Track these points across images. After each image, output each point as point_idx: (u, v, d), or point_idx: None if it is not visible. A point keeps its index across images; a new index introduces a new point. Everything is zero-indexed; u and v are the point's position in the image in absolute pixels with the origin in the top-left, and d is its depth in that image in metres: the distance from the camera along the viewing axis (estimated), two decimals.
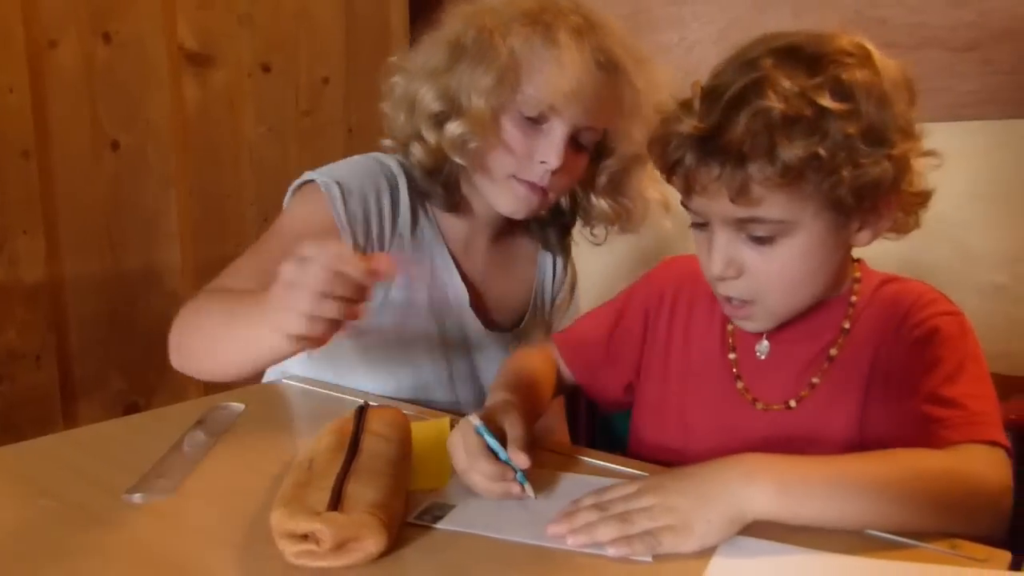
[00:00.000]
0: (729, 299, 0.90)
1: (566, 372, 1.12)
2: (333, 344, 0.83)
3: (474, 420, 0.82)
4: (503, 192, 1.16)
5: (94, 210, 1.73)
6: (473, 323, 1.25)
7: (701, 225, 0.89)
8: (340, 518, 0.68)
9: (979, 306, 1.61)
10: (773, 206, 0.81)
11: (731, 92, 0.81)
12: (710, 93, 0.83)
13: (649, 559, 0.69)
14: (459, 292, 1.24)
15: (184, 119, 1.87)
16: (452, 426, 0.99)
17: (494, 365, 1.23)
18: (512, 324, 1.32)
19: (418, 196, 1.22)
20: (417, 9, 2.31)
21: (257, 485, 0.84)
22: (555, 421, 1.29)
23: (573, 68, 1.07)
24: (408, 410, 0.98)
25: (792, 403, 0.93)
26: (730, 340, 1.00)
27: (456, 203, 1.23)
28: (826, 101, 0.78)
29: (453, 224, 1.26)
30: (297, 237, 0.90)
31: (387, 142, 1.23)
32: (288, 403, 1.16)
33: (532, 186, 1.14)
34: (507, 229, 1.31)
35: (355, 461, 0.77)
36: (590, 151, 1.18)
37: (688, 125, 0.82)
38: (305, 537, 0.68)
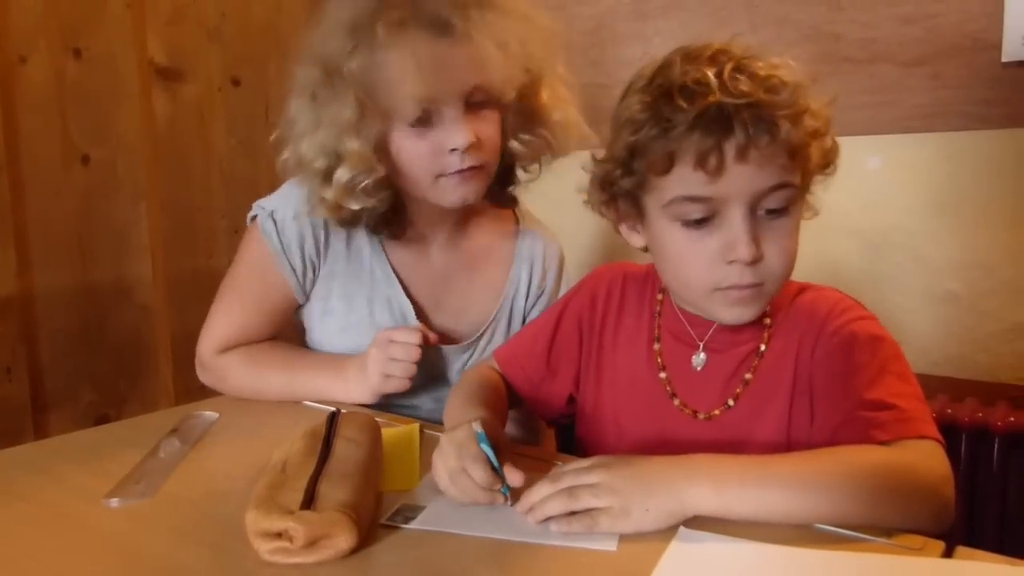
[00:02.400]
0: (737, 286, 0.87)
1: (511, 387, 1.11)
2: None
3: (476, 427, 0.83)
4: (441, 191, 1.16)
5: (65, 223, 1.74)
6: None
7: (702, 220, 0.85)
8: (312, 516, 0.71)
9: (934, 313, 1.66)
10: (799, 168, 0.85)
11: (734, 64, 0.82)
12: (719, 69, 0.82)
13: (613, 548, 0.73)
14: (403, 306, 1.25)
15: (154, 133, 1.89)
16: (422, 432, 1.03)
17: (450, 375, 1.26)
18: (472, 334, 1.29)
19: None
20: None
21: (231, 488, 0.86)
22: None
23: (413, 57, 1.05)
24: (379, 418, 1.01)
25: (730, 402, 0.94)
26: (659, 359, 0.99)
27: (401, 232, 1.25)
28: (792, 76, 0.83)
29: (404, 243, 1.28)
30: (250, 280, 1.24)
31: (305, 208, 1.21)
32: (260, 412, 1.18)
33: (461, 173, 1.14)
34: (465, 227, 1.31)
35: (327, 464, 0.80)
36: (492, 103, 1.15)
37: (733, 96, 0.80)
38: (279, 535, 0.70)
